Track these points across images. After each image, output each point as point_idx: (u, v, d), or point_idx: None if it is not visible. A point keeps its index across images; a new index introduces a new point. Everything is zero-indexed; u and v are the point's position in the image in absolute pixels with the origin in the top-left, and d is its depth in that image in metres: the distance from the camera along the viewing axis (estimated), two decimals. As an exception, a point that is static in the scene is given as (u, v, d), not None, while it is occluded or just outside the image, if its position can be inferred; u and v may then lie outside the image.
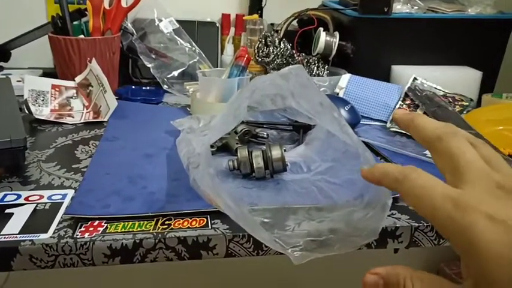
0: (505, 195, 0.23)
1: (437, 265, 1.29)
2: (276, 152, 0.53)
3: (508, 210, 0.22)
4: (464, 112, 0.73)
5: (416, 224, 0.46)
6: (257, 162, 0.53)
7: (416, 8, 0.88)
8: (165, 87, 0.90)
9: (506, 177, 0.24)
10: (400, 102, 0.76)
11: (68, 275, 1.06)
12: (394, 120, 0.31)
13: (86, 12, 0.88)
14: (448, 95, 0.77)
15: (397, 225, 0.46)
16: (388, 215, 0.47)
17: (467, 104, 0.75)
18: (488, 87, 0.88)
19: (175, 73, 0.91)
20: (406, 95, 0.77)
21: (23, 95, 0.75)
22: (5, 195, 0.50)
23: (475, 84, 0.85)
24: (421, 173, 0.25)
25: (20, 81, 0.86)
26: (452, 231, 0.22)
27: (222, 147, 0.63)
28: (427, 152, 0.64)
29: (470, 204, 0.22)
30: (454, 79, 0.84)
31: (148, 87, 0.92)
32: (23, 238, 0.42)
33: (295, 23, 0.96)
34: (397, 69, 0.87)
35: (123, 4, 0.87)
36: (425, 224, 0.46)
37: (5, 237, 0.42)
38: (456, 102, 0.75)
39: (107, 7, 0.88)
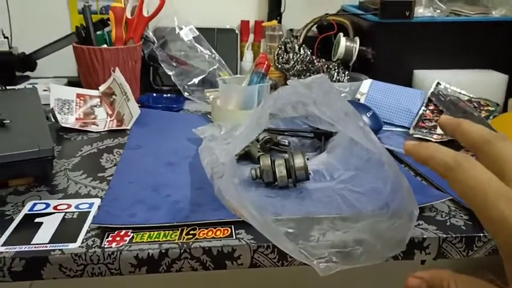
0: None
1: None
2: (298, 161, 0.53)
3: None
4: (491, 117, 0.72)
5: (445, 235, 0.45)
6: (280, 171, 0.53)
7: (438, 11, 0.86)
8: (185, 94, 0.91)
9: None
10: (423, 108, 0.75)
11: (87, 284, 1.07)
12: (440, 126, 0.31)
13: (109, 22, 0.90)
14: (473, 99, 0.76)
15: (425, 236, 0.45)
16: (415, 226, 0.46)
17: (493, 109, 0.73)
18: (515, 91, 0.86)
19: (196, 80, 0.92)
20: (430, 100, 0.76)
21: (49, 104, 0.77)
22: (35, 205, 0.51)
23: (501, 89, 0.83)
24: (476, 164, 0.25)
25: (46, 90, 0.89)
26: (502, 229, 0.22)
27: (244, 156, 0.63)
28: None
29: None
30: (479, 83, 0.82)
31: (169, 95, 0.93)
32: (53, 248, 0.43)
33: (314, 28, 0.96)
34: (420, 74, 0.86)
35: (145, 13, 0.89)
36: (453, 235, 0.46)
37: (35, 247, 0.43)
38: (482, 108, 0.74)
39: (129, 17, 0.89)
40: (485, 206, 0.23)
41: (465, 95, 0.76)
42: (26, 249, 0.43)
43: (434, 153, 0.26)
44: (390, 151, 0.65)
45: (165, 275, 0.44)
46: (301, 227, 0.45)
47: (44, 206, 0.51)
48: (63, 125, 0.74)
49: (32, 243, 0.44)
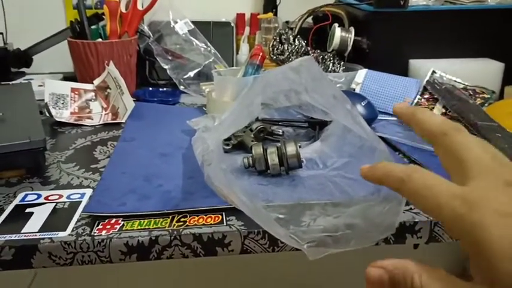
0: None
1: (462, 263, 1.25)
2: (290, 149, 0.53)
3: None
4: (486, 105, 0.71)
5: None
6: (272, 159, 0.53)
7: (433, 0, 0.86)
8: (181, 88, 0.90)
9: None
10: (418, 96, 0.75)
11: (90, 278, 1.08)
12: (395, 113, 0.30)
13: (103, 17, 0.90)
14: (468, 87, 0.75)
15: (416, 220, 0.45)
16: (406, 210, 0.46)
17: (488, 96, 0.73)
18: (511, 79, 0.85)
19: (191, 74, 0.92)
20: (425, 88, 0.75)
21: (43, 99, 0.77)
22: (26, 195, 0.51)
23: (497, 77, 0.82)
24: (424, 172, 0.24)
25: (41, 85, 0.88)
26: (461, 229, 0.21)
27: (238, 145, 0.63)
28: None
29: (477, 200, 0.21)
30: (475, 72, 0.81)
31: (165, 89, 0.93)
32: (43, 236, 0.43)
33: (309, 19, 0.95)
34: (415, 63, 0.85)
35: (139, 7, 0.89)
36: (445, 219, 0.45)
37: (25, 236, 0.43)
38: (477, 95, 0.73)
39: (124, 11, 0.89)
40: (440, 209, 0.22)
41: (460, 83, 0.76)
42: (16, 237, 0.43)
43: (387, 172, 0.26)
44: (385, 139, 0.65)
45: (164, 266, 0.44)
46: (292, 213, 0.45)
47: (36, 196, 0.51)
48: (57, 119, 0.74)
49: (21, 232, 0.44)
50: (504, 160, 0.24)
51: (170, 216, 0.45)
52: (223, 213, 0.46)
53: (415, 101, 0.75)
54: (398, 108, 0.30)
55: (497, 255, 0.20)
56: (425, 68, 0.80)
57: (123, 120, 0.75)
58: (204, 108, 0.83)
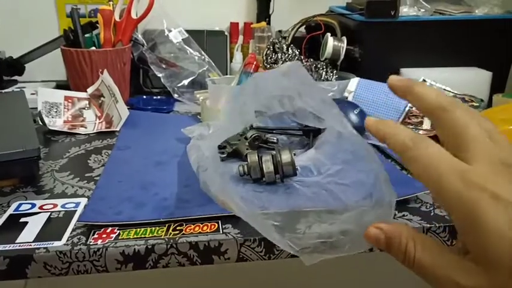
0: (509, 172, 0.23)
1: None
2: (285, 157, 0.54)
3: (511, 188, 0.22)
4: (476, 113, 0.73)
5: (428, 225, 0.46)
6: (267, 167, 0.54)
7: (423, 10, 0.88)
8: (175, 96, 0.91)
9: (509, 154, 0.24)
10: (409, 105, 0.76)
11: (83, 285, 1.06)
12: (390, 87, 0.29)
13: (97, 25, 0.90)
14: (457, 96, 0.77)
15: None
16: (400, 216, 0.47)
17: (477, 104, 0.74)
18: (499, 88, 0.87)
19: (185, 82, 0.92)
20: (416, 97, 0.77)
21: (37, 107, 0.77)
22: (20, 205, 0.51)
23: (486, 85, 0.84)
24: (430, 143, 0.25)
25: (34, 94, 0.88)
26: (456, 204, 0.23)
27: (233, 153, 0.63)
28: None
29: (477, 181, 0.23)
30: (464, 80, 0.83)
31: (159, 97, 0.93)
32: (38, 246, 0.43)
33: (302, 29, 0.96)
34: (406, 72, 0.87)
35: (133, 16, 0.89)
36: (437, 225, 0.46)
37: (20, 245, 0.43)
38: (466, 103, 0.74)
39: (118, 19, 0.90)
40: (440, 181, 0.23)
41: (450, 91, 0.77)
42: (10, 247, 0.42)
43: (393, 131, 0.26)
44: (378, 147, 0.66)
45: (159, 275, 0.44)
46: (287, 220, 0.45)
47: (30, 206, 0.51)
48: (50, 128, 0.74)
49: (16, 241, 0.43)
50: (500, 138, 0.25)
51: (166, 225, 0.46)
52: (219, 221, 0.46)
53: (406, 108, 0.76)
54: (394, 80, 0.29)
55: (489, 236, 0.21)
56: (416, 76, 0.82)
57: (117, 129, 0.75)
58: (198, 116, 0.84)
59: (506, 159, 0.24)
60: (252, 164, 0.54)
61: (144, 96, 0.93)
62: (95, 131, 0.76)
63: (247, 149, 0.63)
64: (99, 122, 0.80)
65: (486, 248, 0.22)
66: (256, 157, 0.55)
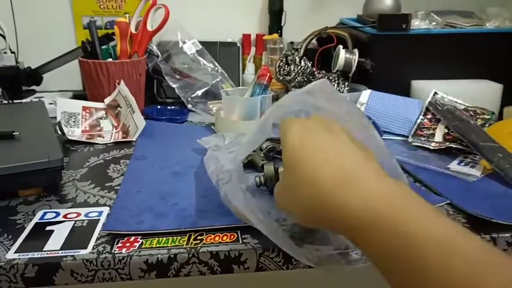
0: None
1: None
2: None
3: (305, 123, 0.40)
4: (486, 125, 0.74)
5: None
6: None
7: (434, 23, 0.89)
8: (189, 106, 0.93)
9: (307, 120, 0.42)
10: (421, 117, 0.77)
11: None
12: None
13: (114, 37, 0.92)
14: (469, 108, 0.78)
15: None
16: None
17: (489, 117, 0.75)
18: (510, 100, 0.88)
19: (199, 92, 0.94)
20: (427, 109, 0.78)
21: (55, 117, 0.79)
22: (45, 213, 0.52)
23: (496, 97, 0.85)
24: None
25: (52, 103, 0.91)
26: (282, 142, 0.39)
27: (248, 164, 0.65)
28: (451, 166, 0.65)
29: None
30: (475, 93, 0.84)
31: (173, 107, 0.95)
32: (65, 254, 0.44)
33: (314, 41, 0.98)
34: (417, 84, 0.88)
35: (149, 28, 0.91)
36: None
37: (48, 253, 0.44)
38: (478, 116, 0.75)
39: (134, 31, 0.92)
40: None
41: (461, 104, 0.78)
42: (39, 255, 0.44)
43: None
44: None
45: (173, 281, 0.45)
46: (305, 231, 0.46)
47: (54, 214, 0.52)
48: (69, 137, 0.76)
49: (44, 250, 0.45)
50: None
51: (187, 235, 0.47)
52: (239, 231, 0.48)
53: (418, 120, 0.77)
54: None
55: (286, 149, 0.38)
56: (427, 88, 0.83)
57: (134, 139, 0.77)
58: (212, 126, 0.85)
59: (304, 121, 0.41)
60: (268, 175, 0.56)
61: (158, 106, 0.95)
62: (112, 140, 0.78)
63: (262, 160, 0.64)
64: (116, 132, 0.82)
65: (284, 160, 0.38)
66: (273, 168, 0.56)
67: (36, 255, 0.44)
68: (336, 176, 0.33)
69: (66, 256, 0.44)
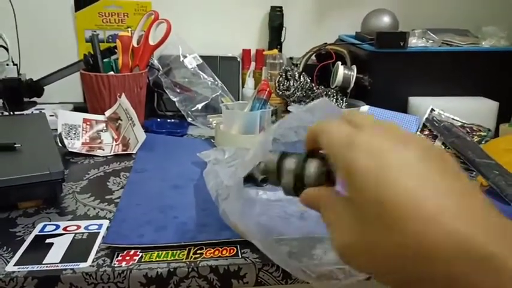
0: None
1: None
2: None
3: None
4: (483, 142, 0.75)
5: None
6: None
7: (431, 41, 0.91)
8: (189, 119, 0.93)
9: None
10: (418, 133, 0.78)
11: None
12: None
13: (116, 50, 0.94)
14: (465, 125, 0.79)
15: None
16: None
17: (485, 134, 0.76)
18: (505, 118, 0.89)
19: (199, 106, 0.95)
20: (424, 125, 0.79)
21: (56, 129, 0.79)
22: (45, 226, 0.53)
23: (492, 115, 0.87)
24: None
25: (52, 115, 0.91)
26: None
27: (247, 178, 0.65)
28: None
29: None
30: (471, 110, 0.85)
31: (173, 120, 0.96)
32: (65, 267, 0.44)
33: (313, 57, 1.00)
34: (414, 101, 0.89)
35: (151, 42, 0.93)
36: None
37: (47, 266, 0.44)
38: (474, 133, 0.76)
39: (135, 45, 0.93)
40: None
41: (458, 120, 0.80)
42: (38, 268, 0.44)
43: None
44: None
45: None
46: (303, 246, 0.47)
47: (54, 227, 0.52)
48: (70, 149, 0.77)
49: (43, 262, 0.45)
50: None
51: (187, 249, 0.47)
52: (238, 246, 0.48)
53: (416, 137, 0.78)
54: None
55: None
56: (424, 105, 0.84)
57: (134, 151, 0.78)
58: (211, 140, 0.86)
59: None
60: (270, 169, 0.55)
61: (158, 119, 0.96)
62: (112, 153, 0.78)
63: (261, 173, 0.65)
64: (116, 145, 0.82)
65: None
66: (276, 161, 0.55)
67: (36, 268, 0.44)
68: (454, 245, 0.22)
69: (65, 269, 0.44)
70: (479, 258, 0.21)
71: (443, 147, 0.74)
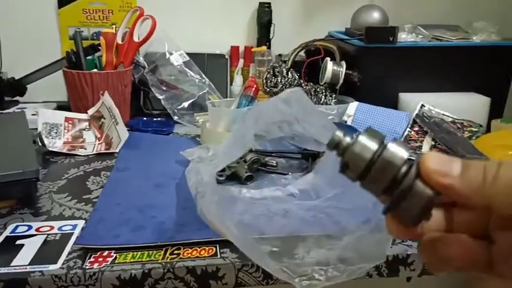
0: None
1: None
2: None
3: None
4: (474, 138, 0.73)
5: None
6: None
7: (421, 36, 0.89)
8: (175, 118, 0.91)
9: None
10: (408, 129, 0.76)
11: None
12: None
13: (99, 48, 0.91)
14: (456, 121, 0.77)
15: (409, 253, 0.45)
16: (399, 242, 0.46)
17: (476, 130, 0.74)
18: (497, 113, 0.88)
19: (186, 104, 0.93)
20: (414, 121, 0.77)
21: (37, 128, 0.77)
22: (17, 227, 0.50)
23: (484, 110, 0.85)
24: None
25: (34, 114, 0.89)
26: None
27: (231, 176, 0.63)
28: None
29: None
30: (462, 105, 0.84)
31: (159, 119, 0.94)
32: (33, 269, 0.42)
33: (302, 53, 0.98)
34: (404, 97, 0.87)
35: (135, 39, 0.91)
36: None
37: (15, 269, 0.42)
38: (465, 128, 0.75)
39: (120, 42, 0.91)
40: None
41: (449, 116, 0.78)
42: (5, 271, 0.42)
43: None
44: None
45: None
46: (285, 245, 0.45)
47: (26, 228, 0.50)
48: (50, 149, 0.74)
49: (11, 265, 0.43)
50: None
51: (164, 249, 0.45)
52: (217, 246, 0.46)
53: (405, 133, 0.76)
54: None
55: None
56: (414, 101, 0.82)
57: (117, 150, 0.76)
58: (197, 138, 0.84)
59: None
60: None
61: (144, 118, 0.94)
62: (94, 152, 0.76)
63: (246, 172, 0.63)
64: (99, 143, 0.80)
65: None
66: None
67: (3, 270, 0.42)
68: None
69: (34, 272, 0.42)
70: None
71: (433, 143, 0.72)
